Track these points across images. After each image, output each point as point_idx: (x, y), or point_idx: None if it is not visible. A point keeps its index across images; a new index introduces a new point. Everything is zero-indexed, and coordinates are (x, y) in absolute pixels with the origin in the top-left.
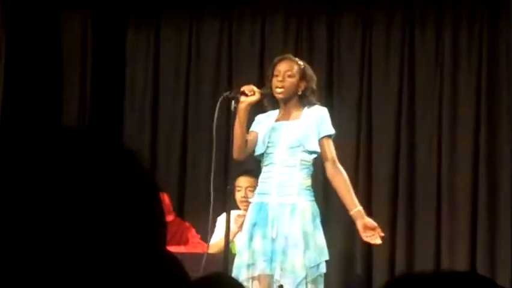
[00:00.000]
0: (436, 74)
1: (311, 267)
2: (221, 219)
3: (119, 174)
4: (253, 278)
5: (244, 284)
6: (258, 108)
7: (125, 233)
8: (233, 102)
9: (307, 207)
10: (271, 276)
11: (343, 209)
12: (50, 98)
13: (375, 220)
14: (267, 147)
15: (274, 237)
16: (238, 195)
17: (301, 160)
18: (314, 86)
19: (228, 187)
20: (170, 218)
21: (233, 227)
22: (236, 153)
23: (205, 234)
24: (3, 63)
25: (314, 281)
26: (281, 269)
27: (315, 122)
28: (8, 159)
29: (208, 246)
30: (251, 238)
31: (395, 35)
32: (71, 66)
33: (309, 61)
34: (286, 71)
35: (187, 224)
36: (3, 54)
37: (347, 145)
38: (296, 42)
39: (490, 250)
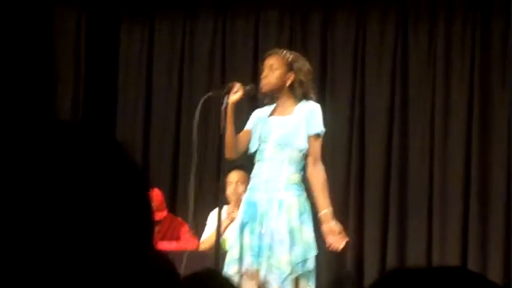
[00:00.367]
0: (429, 73)
1: (298, 263)
2: (212, 215)
3: (111, 169)
4: (242, 273)
5: (234, 278)
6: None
7: (114, 228)
8: (225, 99)
9: (294, 202)
10: (259, 271)
11: (333, 205)
12: (43, 96)
13: (368, 215)
14: (259, 143)
15: (262, 232)
16: (229, 190)
17: (290, 156)
18: (303, 78)
19: (220, 183)
20: (163, 214)
21: (223, 219)
22: (227, 152)
23: (197, 230)
24: None
25: (304, 276)
26: (268, 265)
27: (305, 118)
28: None
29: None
30: (241, 233)
31: (388, 33)
32: (64, 64)
33: None
34: (271, 65)
35: (179, 219)
36: None
37: (339, 142)
38: (290, 40)
39: (481, 247)
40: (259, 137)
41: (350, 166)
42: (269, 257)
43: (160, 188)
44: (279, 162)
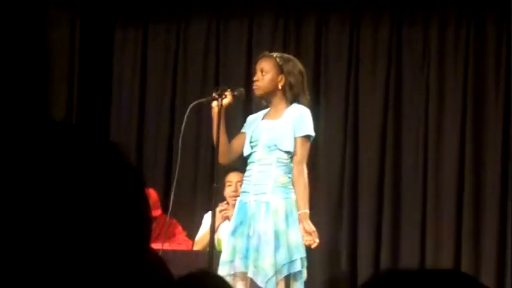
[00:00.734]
0: (423, 76)
1: (283, 265)
2: (207, 217)
3: (105, 170)
4: (233, 275)
5: (228, 279)
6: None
7: (109, 230)
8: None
9: (281, 205)
10: (247, 273)
11: (326, 206)
12: (37, 99)
13: (360, 215)
14: (251, 147)
15: (250, 235)
16: (229, 190)
17: (278, 158)
18: (293, 80)
19: (215, 185)
20: (157, 212)
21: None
22: (219, 157)
23: (191, 232)
24: None
25: (292, 278)
26: (254, 267)
27: (293, 121)
28: None
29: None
30: (233, 235)
31: (382, 36)
32: (58, 67)
33: None
34: (262, 68)
35: (173, 220)
36: None
37: (334, 144)
38: (284, 43)
39: (475, 250)
40: (251, 141)
41: (344, 168)
42: (255, 259)
43: (154, 188)
44: (267, 164)
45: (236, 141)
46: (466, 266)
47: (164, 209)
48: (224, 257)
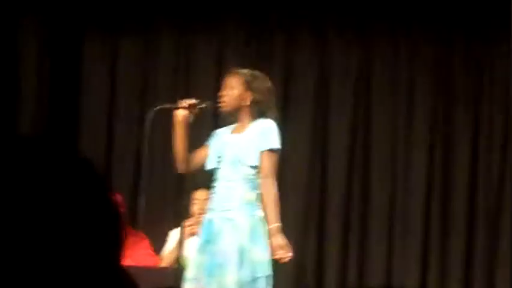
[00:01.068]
0: (392, 93)
1: (246, 283)
2: (173, 232)
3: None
4: None
5: None
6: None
7: (77, 244)
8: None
9: (245, 222)
10: None
11: (293, 223)
12: (4, 112)
13: (328, 230)
14: (217, 162)
15: (216, 252)
16: (196, 208)
17: (244, 174)
18: (260, 97)
19: (183, 202)
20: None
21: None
22: (178, 166)
23: (159, 246)
24: None
25: None
26: (218, 284)
27: (258, 135)
28: None
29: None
30: (199, 252)
31: (351, 54)
32: (27, 80)
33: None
34: (228, 84)
35: (141, 234)
36: None
37: (301, 162)
38: (253, 60)
39: (442, 267)
40: (217, 156)
41: (311, 185)
42: (220, 276)
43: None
44: (233, 181)
45: (199, 153)
46: (432, 285)
47: (132, 225)
48: (189, 274)
